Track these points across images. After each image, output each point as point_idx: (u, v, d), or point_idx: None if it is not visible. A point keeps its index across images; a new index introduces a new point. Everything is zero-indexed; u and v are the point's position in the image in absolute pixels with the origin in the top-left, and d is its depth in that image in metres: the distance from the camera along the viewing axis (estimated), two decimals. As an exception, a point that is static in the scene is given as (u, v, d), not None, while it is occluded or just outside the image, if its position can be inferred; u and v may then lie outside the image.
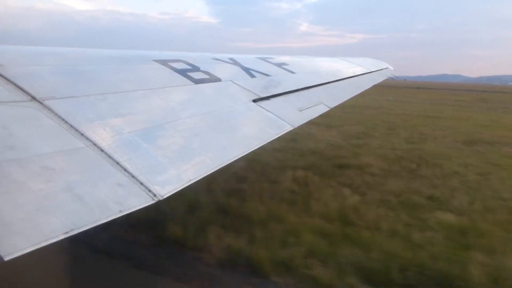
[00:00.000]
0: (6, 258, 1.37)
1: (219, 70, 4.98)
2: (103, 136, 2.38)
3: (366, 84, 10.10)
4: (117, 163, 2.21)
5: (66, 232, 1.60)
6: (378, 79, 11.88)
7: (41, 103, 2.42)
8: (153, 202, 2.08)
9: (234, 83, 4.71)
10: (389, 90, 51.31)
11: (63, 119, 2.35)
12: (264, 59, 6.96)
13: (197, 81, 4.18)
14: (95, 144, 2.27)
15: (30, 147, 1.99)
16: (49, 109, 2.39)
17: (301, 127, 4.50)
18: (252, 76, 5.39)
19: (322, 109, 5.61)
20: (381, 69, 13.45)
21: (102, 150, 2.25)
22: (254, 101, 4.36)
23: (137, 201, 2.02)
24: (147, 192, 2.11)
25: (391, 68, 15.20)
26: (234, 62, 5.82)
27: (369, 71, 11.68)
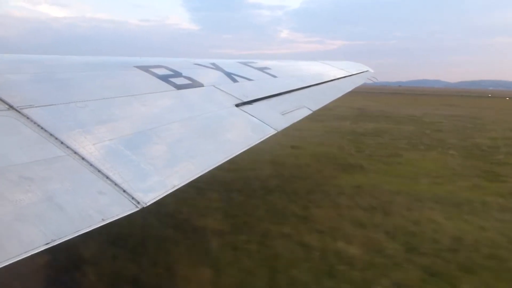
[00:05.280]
0: (-15, 272, 1.33)
1: (201, 76, 4.97)
2: (84, 144, 2.35)
3: (347, 86, 10.21)
4: (99, 171, 2.18)
5: (47, 243, 1.57)
6: (359, 81, 12.03)
7: (19, 111, 2.37)
8: (137, 209, 2.06)
9: (217, 88, 4.71)
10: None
11: (42, 128, 2.31)
12: (246, 64, 6.98)
13: (179, 87, 4.16)
14: (75, 152, 2.23)
15: (8, 157, 1.95)
16: (28, 118, 2.34)
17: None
18: (235, 80, 5.40)
19: (304, 113, 5.65)
20: (362, 72, 13.62)
21: (83, 158, 2.21)
22: (237, 105, 4.37)
23: (120, 209, 1.99)
24: (130, 199, 2.09)
25: (372, 70, 15.38)
26: (216, 67, 5.82)
27: (350, 74, 11.82)
